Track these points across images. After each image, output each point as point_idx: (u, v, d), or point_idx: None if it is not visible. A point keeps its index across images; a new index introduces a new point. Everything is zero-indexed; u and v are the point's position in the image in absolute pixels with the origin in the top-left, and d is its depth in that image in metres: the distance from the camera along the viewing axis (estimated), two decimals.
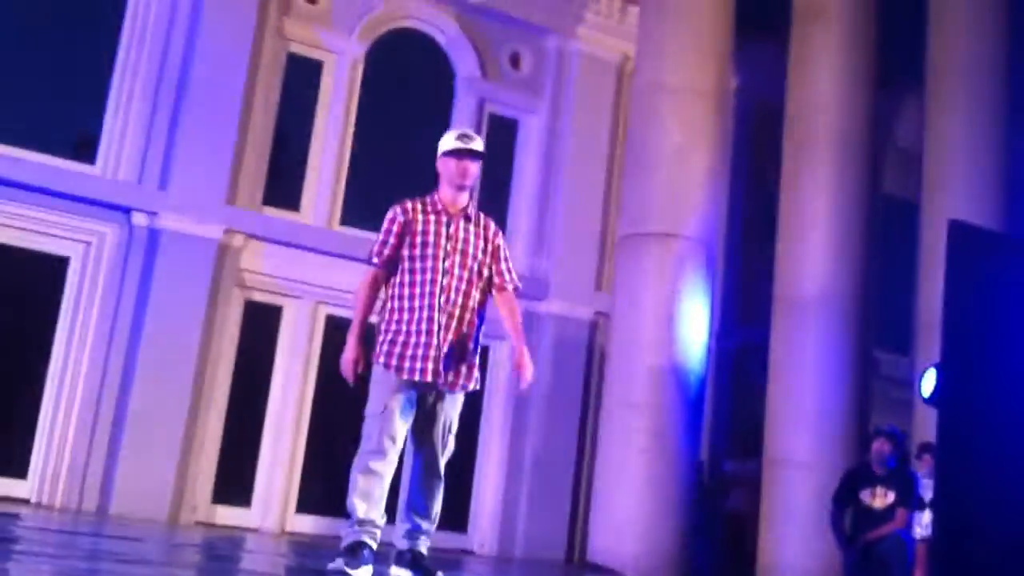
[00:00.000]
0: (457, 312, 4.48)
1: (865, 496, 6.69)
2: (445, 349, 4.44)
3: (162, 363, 7.86)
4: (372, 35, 9.23)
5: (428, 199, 4.62)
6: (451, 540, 8.83)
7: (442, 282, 4.54)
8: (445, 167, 4.66)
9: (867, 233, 8.82)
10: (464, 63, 9.59)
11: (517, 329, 4.63)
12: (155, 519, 7.53)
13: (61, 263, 7.98)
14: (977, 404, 3.78)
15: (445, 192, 4.66)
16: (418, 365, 4.43)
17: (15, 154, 7.85)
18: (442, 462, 4.49)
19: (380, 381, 4.43)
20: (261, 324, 8.52)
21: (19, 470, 7.66)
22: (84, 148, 8.21)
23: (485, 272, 4.56)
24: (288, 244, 8.56)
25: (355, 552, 4.27)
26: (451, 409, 4.51)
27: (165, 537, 6.02)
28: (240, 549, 6.18)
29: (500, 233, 4.66)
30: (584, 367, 9.34)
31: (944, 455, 3.79)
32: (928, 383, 6.47)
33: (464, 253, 4.57)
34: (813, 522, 7.60)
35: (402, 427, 4.43)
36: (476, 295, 4.53)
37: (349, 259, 8.52)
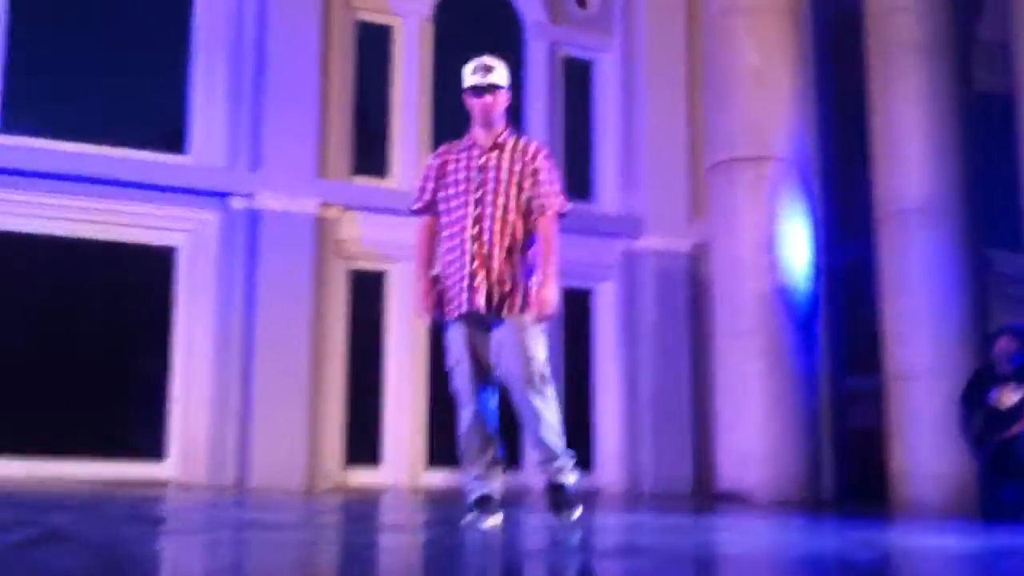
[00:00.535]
0: (497, 241, 4.41)
1: (992, 396, 6.59)
2: (485, 278, 4.39)
3: (279, 338, 8.07)
4: None
5: (464, 138, 4.61)
6: (580, 481, 8.92)
7: (474, 215, 4.52)
8: (468, 104, 4.64)
9: (963, 134, 8.59)
10: (531, 9, 9.54)
11: (543, 256, 4.45)
12: (292, 488, 7.77)
13: (169, 253, 8.22)
14: None
15: (475, 129, 4.65)
16: (457, 299, 4.46)
17: (112, 153, 8.10)
18: (531, 390, 4.37)
19: (447, 333, 4.49)
20: (367, 290, 8.69)
21: (159, 453, 7.98)
22: (175, 140, 8.42)
23: (525, 197, 4.47)
24: (382, 210, 8.68)
25: (480, 505, 4.37)
26: (514, 334, 4.40)
27: (303, 503, 6.21)
28: (376, 507, 6.37)
29: (543, 156, 4.53)
30: (689, 299, 9.31)
31: None
32: None
33: (498, 182, 4.49)
34: (942, 429, 7.50)
35: (480, 370, 4.45)
36: (517, 222, 4.45)
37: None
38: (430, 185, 4.63)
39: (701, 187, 9.35)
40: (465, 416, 4.46)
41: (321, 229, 8.41)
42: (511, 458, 8.58)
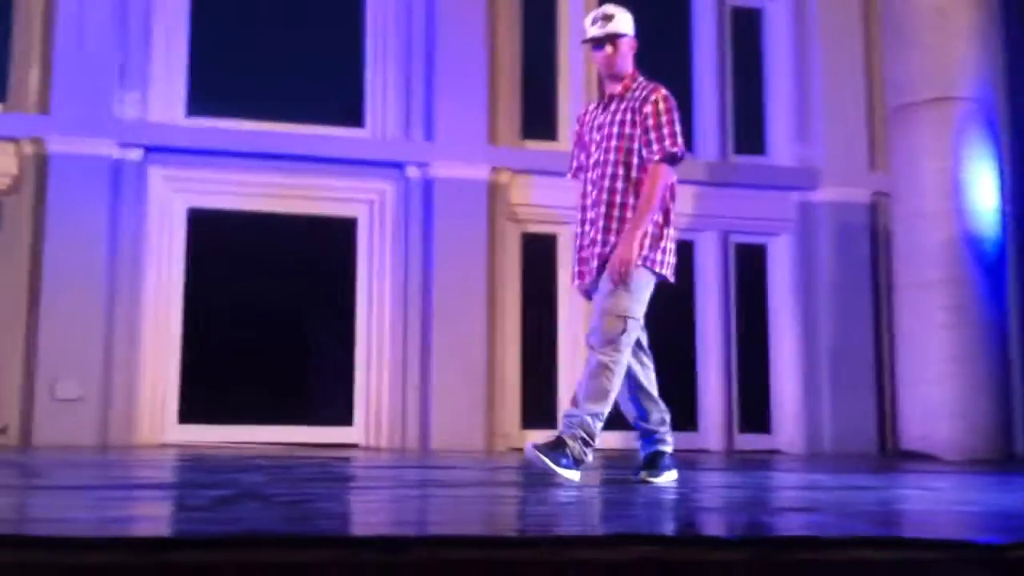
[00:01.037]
0: (605, 197, 4.30)
1: None
2: (590, 240, 4.32)
3: (455, 303, 8.26)
4: None
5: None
6: (757, 442, 8.85)
7: (592, 177, 4.44)
8: (593, 57, 4.55)
9: None
10: None
11: (638, 210, 4.28)
12: (471, 450, 7.97)
13: (351, 224, 8.50)
14: None
15: (603, 81, 4.56)
16: (572, 269, 4.45)
17: (293, 129, 8.41)
18: (597, 347, 4.24)
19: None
20: (539, 253, 8.78)
21: (346, 418, 8.31)
22: (352, 113, 8.68)
23: (629, 146, 4.30)
24: (552, 173, 8.71)
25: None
26: (600, 292, 4.32)
27: (481, 463, 6.37)
28: None
29: (653, 99, 4.31)
30: (869, 251, 9.03)
31: None
32: None
33: (608, 137, 4.35)
34: None
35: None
36: (622, 172, 4.30)
37: None
38: (575, 150, 4.61)
39: (880, 134, 9.03)
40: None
41: (493, 194, 8.54)
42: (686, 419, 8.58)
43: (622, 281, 4.23)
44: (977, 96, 8.04)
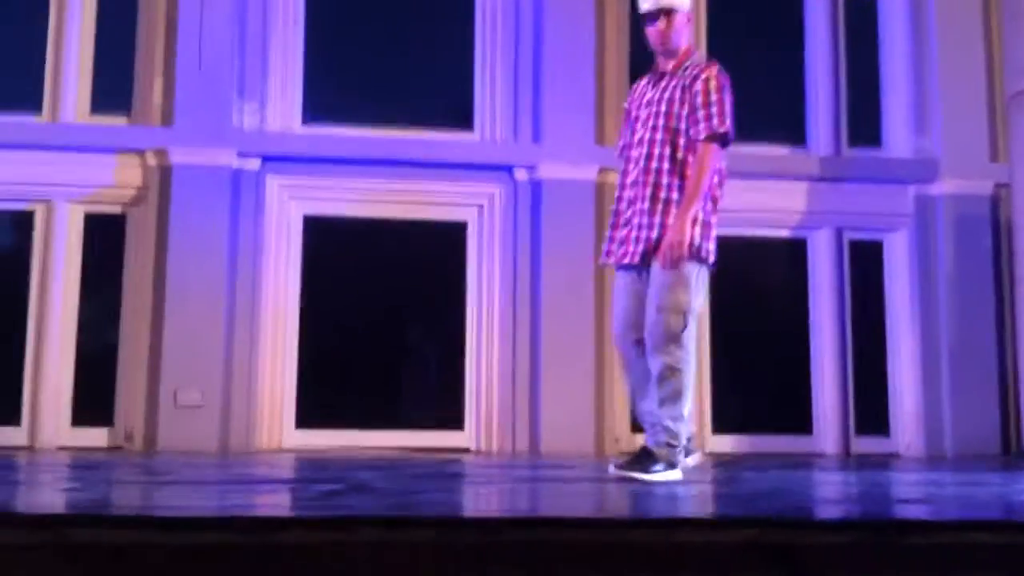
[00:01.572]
0: (651, 179, 4.17)
1: None
2: (627, 221, 4.20)
3: (563, 305, 8.26)
4: None
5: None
6: (874, 444, 8.63)
7: (633, 155, 4.32)
8: (647, 33, 4.42)
9: None
10: None
11: (685, 192, 4.14)
12: (582, 453, 7.96)
13: (460, 228, 8.59)
14: None
15: (656, 58, 4.43)
16: (604, 247, 4.34)
17: (404, 135, 8.54)
18: (658, 347, 4.12)
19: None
20: None
21: (457, 423, 8.38)
22: (461, 117, 8.77)
23: (676, 125, 4.16)
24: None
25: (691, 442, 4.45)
26: (653, 286, 4.18)
27: (591, 463, 6.36)
28: None
29: (708, 78, 4.15)
30: (991, 245, 8.72)
31: None
32: None
33: (655, 114, 4.20)
34: None
35: (633, 320, 4.29)
36: (668, 152, 4.16)
37: None
38: (625, 129, 4.52)
39: (1001, 123, 8.72)
40: (621, 364, 4.43)
41: (601, 195, 8.51)
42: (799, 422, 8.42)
43: (674, 267, 4.13)
44: None
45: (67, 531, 2.34)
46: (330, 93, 8.65)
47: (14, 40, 8.37)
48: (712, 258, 4.29)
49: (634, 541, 2.41)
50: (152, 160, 8.12)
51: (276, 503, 3.19)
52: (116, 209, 8.20)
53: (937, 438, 8.54)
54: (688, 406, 4.25)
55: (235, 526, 2.42)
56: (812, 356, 8.71)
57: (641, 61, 8.89)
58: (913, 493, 3.89)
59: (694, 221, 4.18)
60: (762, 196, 8.61)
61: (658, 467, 4.13)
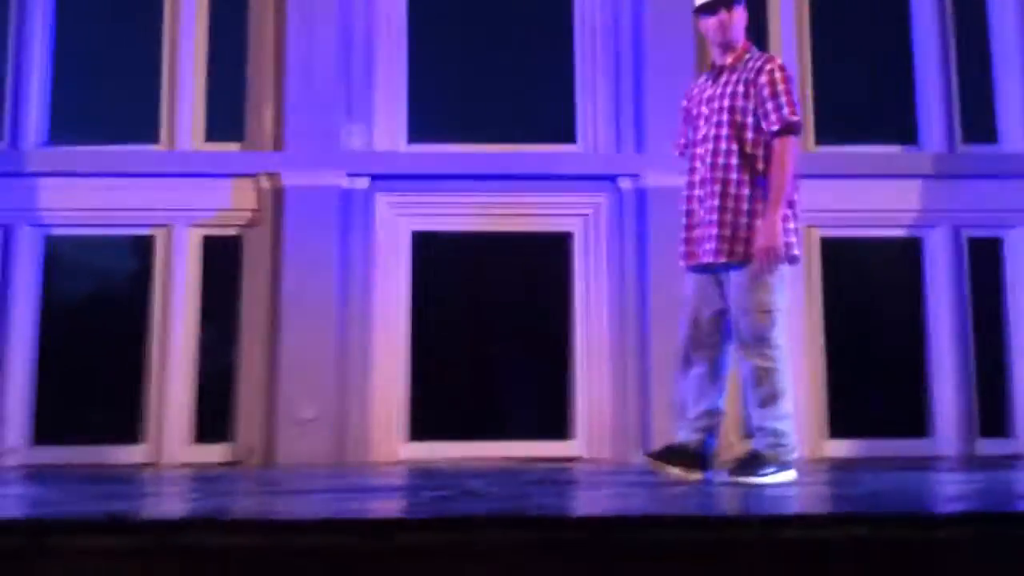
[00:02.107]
0: (720, 176, 4.10)
1: None
2: (704, 220, 4.12)
3: (672, 311, 8.10)
4: None
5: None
6: (997, 446, 8.35)
7: (698, 152, 4.23)
8: (703, 26, 4.29)
9: None
10: None
11: (771, 192, 4.04)
12: None
13: (566, 239, 8.61)
14: None
15: (713, 53, 4.33)
16: (681, 249, 4.25)
17: (508, 149, 8.61)
18: (750, 350, 4.11)
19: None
20: None
21: (568, 432, 8.38)
22: (563, 131, 8.81)
23: (742, 119, 4.08)
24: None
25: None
26: (734, 287, 4.13)
27: None
28: None
29: (772, 70, 4.09)
30: None
31: None
32: None
33: (719, 110, 4.14)
34: None
35: (702, 321, 4.23)
36: (736, 148, 4.09)
37: (831, 178, 8.39)
38: (683, 127, 4.46)
39: None
40: (682, 366, 4.52)
41: None
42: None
43: (771, 272, 4.08)
44: None
45: (188, 535, 2.42)
46: (434, 112, 8.77)
47: (130, 72, 8.71)
48: (796, 251, 4.23)
49: (745, 539, 2.40)
50: (265, 183, 8.35)
51: (389, 509, 3.24)
52: (232, 231, 8.45)
53: (974, 441, 8.26)
54: (790, 405, 4.19)
55: (349, 529, 2.48)
56: (930, 357, 8.47)
57: None
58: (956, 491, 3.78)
59: (784, 219, 4.14)
60: (875, 196, 8.45)
61: (768, 469, 4.09)
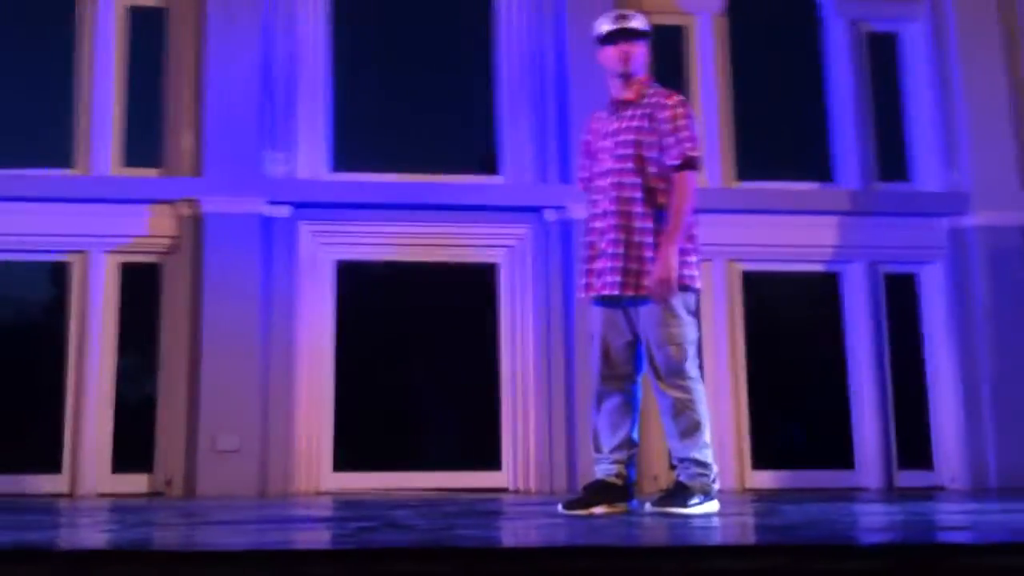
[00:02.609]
0: (623, 208, 4.13)
1: None
2: (605, 252, 4.13)
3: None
4: None
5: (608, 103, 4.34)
6: (917, 478, 8.52)
7: (601, 185, 4.28)
8: (604, 57, 4.33)
9: None
10: None
11: (668, 225, 4.08)
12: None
13: (491, 269, 8.62)
14: None
15: (613, 85, 4.38)
16: (581, 281, 4.29)
17: (432, 179, 8.62)
18: (665, 383, 4.13)
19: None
20: None
21: (494, 463, 8.35)
22: (487, 162, 8.84)
23: (645, 154, 4.12)
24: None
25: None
26: (643, 321, 4.14)
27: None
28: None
29: (674, 106, 4.13)
30: None
31: None
32: None
33: (621, 144, 4.17)
34: None
35: (613, 353, 4.24)
36: (639, 181, 4.11)
37: (752, 213, 8.53)
38: (583, 160, 4.50)
39: None
40: (598, 393, 4.43)
41: None
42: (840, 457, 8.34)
43: (666, 301, 4.12)
44: None
45: (102, 568, 2.36)
46: (358, 140, 8.75)
47: (45, 96, 8.55)
48: (697, 283, 4.27)
49: (670, 569, 2.40)
50: (184, 210, 8.23)
51: (310, 539, 3.19)
52: (151, 259, 8.31)
53: (982, 470, 8.43)
54: (708, 435, 4.23)
55: (268, 560, 2.43)
56: (851, 389, 8.64)
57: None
58: (954, 521, 3.84)
59: (684, 252, 4.19)
60: (794, 231, 8.63)
61: (694, 500, 4.11)
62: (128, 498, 7.38)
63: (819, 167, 9.04)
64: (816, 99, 9.16)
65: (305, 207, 8.40)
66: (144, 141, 8.46)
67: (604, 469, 4.35)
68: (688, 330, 4.21)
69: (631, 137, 4.21)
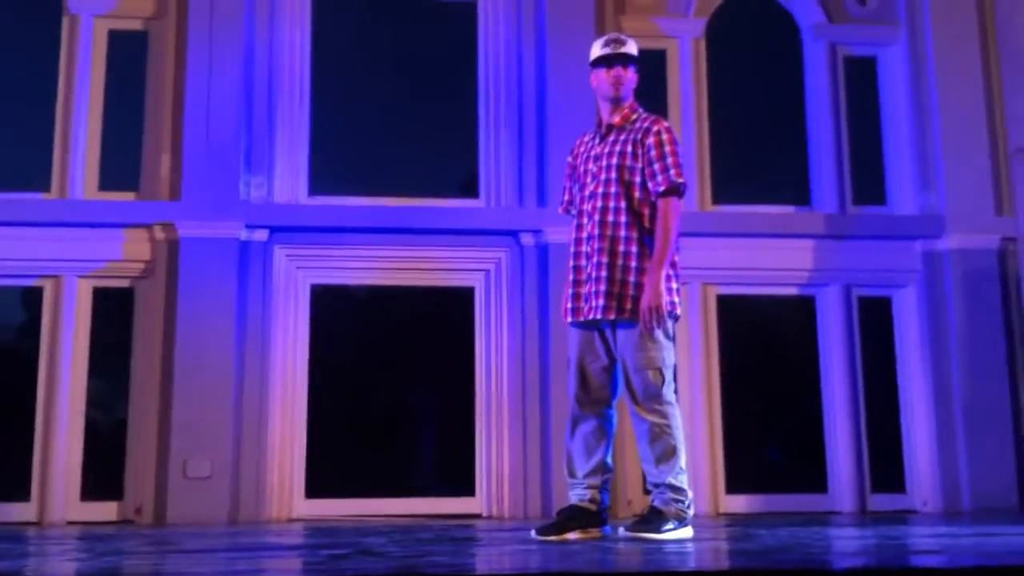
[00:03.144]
0: (608, 232, 4.16)
1: None
2: (591, 276, 4.16)
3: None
4: (708, 9, 9.18)
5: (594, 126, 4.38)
6: (891, 502, 8.54)
7: (585, 208, 4.31)
8: (597, 80, 4.37)
9: None
10: (806, 13, 9.27)
11: (655, 252, 4.12)
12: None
13: (468, 293, 8.60)
14: None
15: (602, 109, 4.41)
16: (567, 305, 4.31)
17: (410, 203, 8.61)
18: (643, 407, 4.15)
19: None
20: None
21: (468, 489, 8.31)
22: (466, 186, 8.84)
23: (630, 178, 4.15)
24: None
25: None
26: (622, 344, 4.16)
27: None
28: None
29: (659, 132, 4.17)
30: (1000, 299, 8.70)
31: None
32: None
33: (607, 168, 4.20)
34: None
35: (590, 376, 4.26)
36: (624, 205, 4.14)
37: (728, 236, 8.57)
38: (566, 184, 4.53)
39: (1005, 177, 8.78)
40: (574, 417, 4.46)
41: None
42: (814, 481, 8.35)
43: (654, 329, 4.13)
44: None
45: None
46: (336, 164, 8.73)
47: (21, 119, 8.50)
48: (678, 309, 4.29)
49: None
50: (160, 234, 8.18)
51: (281, 567, 3.16)
52: (125, 283, 8.25)
53: (954, 493, 8.45)
54: (684, 460, 4.22)
55: None
56: (825, 413, 8.66)
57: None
58: (927, 544, 3.84)
59: (667, 279, 4.19)
60: (770, 255, 8.66)
61: (668, 525, 4.10)
62: (97, 526, 7.30)
63: (796, 190, 9.09)
64: (794, 123, 9.21)
65: (282, 231, 8.37)
66: (122, 165, 8.41)
67: (578, 494, 4.34)
68: (667, 354, 4.21)
69: (616, 161, 4.24)
